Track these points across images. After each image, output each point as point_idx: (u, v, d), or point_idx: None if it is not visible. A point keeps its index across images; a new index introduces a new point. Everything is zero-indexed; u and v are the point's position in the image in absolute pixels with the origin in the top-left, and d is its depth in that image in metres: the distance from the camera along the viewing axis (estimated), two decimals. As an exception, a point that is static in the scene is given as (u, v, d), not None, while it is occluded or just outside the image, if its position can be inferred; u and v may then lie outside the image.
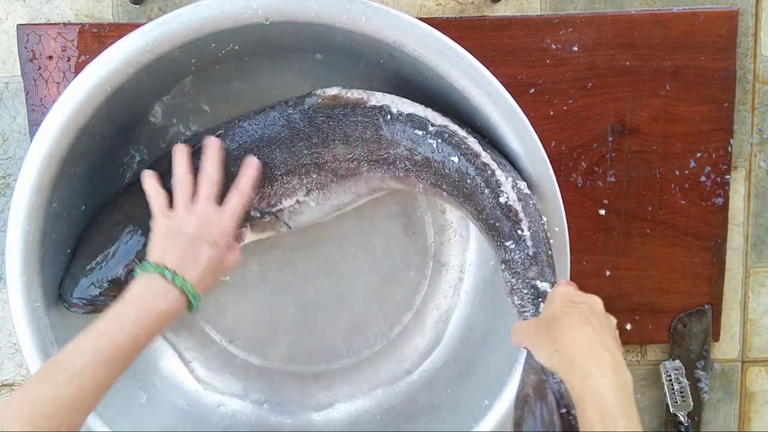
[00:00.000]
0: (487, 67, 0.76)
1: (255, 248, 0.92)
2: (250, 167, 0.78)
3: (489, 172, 0.75)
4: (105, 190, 0.87)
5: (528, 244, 0.74)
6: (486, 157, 0.75)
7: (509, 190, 0.74)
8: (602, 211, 0.97)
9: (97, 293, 0.80)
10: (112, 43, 0.75)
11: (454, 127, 0.77)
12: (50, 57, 0.91)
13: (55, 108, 0.75)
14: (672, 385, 1.01)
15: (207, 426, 0.92)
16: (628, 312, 1.00)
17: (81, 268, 0.81)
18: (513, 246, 0.74)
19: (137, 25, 0.77)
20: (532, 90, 0.94)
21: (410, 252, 0.94)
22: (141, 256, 0.78)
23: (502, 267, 0.75)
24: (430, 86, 0.81)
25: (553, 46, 0.93)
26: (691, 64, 0.94)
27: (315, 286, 0.94)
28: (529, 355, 0.67)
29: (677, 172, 0.97)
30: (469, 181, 0.76)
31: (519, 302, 0.74)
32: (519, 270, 0.74)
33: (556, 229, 0.77)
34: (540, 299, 0.73)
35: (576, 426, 0.64)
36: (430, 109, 0.78)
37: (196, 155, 0.78)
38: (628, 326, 1.00)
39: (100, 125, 0.78)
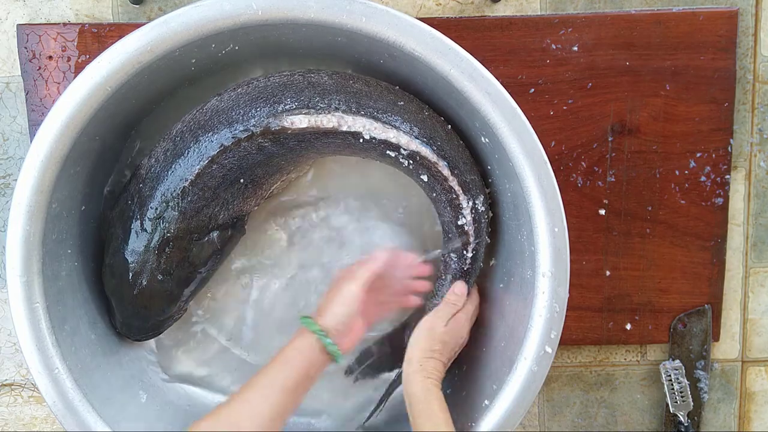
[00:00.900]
0: (486, 67, 0.76)
1: (255, 248, 0.92)
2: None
3: (453, 195, 0.82)
4: (105, 190, 0.87)
5: (467, 262, 0.86)
6: (453, 181, 0.81)
7: (467, 213, 0.83)
8: (602, 211, 0.97)
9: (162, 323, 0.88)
10: (112, 43, 0.75)
11: (426, 150, 0.80)
12: (50, 57, 0.91)
13: (55, 108, 0.75)
14: (672, 385, 1.01)
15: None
16: (628, 312, 1.00)
17: (134, 315, 0.86)
18: (455, 258, 0.86)
19: (137, 25, 0.77)
20: (532, 90, 0.94)
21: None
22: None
23: (442, 263, 0.87)
24: (429, 86, 0.81)
25: (553, 46, 0.93)
26: (691, 64, 0.94)
27: (315, 286, 0.94)
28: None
29: (677, 172, 0.97)
30: (435, 195, 0.84)
31: (434, 296, 0.88)
32: (451, 275, 0.87)
33: (556, 229, 0.76)
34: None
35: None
36: (402, 133, 0.79)
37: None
38: (628, 326, 1.00)
39: (100, 125, 0.78)
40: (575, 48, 0.93)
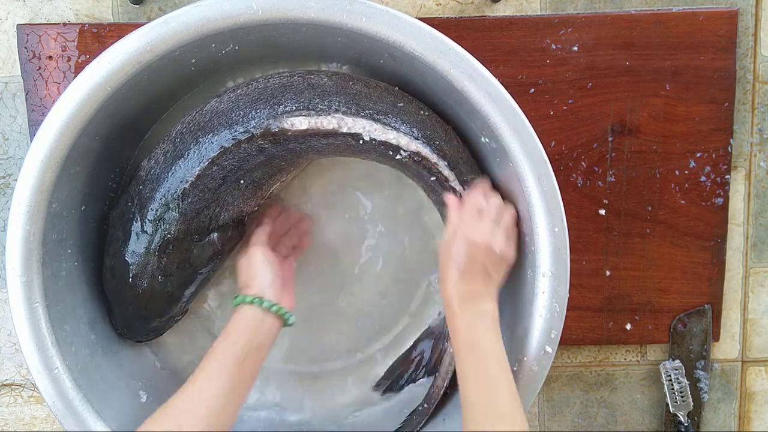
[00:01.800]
0: (487, 67, 0.76)
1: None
2: (304, 224, 0.91)
3: (454, 195, 0.81)
4: (105, 190, 0.87)
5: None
6: (454, 181, 0.81)
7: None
8: (602, 211, 0.97)
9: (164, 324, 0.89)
10: (112, 43, 0.75)
11: (426, 150, 0.80)
12: (50, 57, 0.91)
13: (55, 108, 0.75)
14: (672, 385, 1.01)
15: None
16: (628, 312, 1.00)
17: (135, 316, 0.86)
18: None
19: (137, 25, 0.77)
20: (532, 90, 0.94)
21: (411, 253, 0.94)
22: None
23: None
24: (429, 86, 0.81)
25: (553, 46, 0.93)
26: (691, 64, 0.94)
27: (315, 286, 0.94)
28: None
29: (677, 172, 0.97)
30: (435, 198, 0.85)
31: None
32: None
33: (556, 229, 0.76)
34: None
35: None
36: (401, 134, 0.79)
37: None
38: (628, 326, 1.00)
39: (100, 125, 0.78)
40: (575, 48, 0.93)
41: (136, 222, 0.82)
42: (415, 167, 0.81)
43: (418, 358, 0.93)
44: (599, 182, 0.96)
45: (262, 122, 0.78)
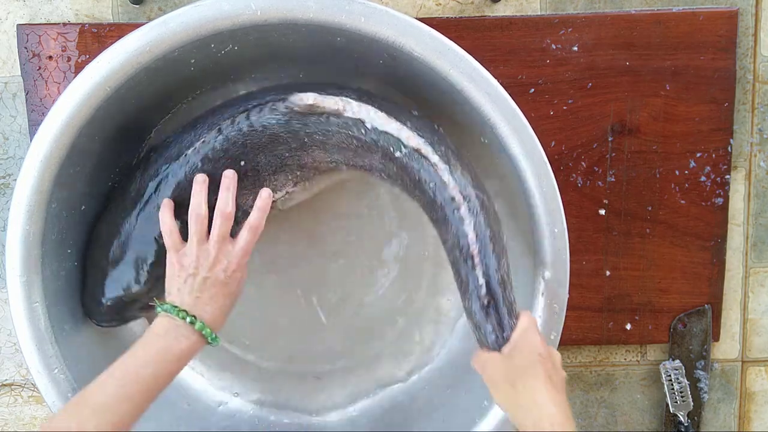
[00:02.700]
0: (486, 67, 0.76)
1: (256, 249, 0.92)
2: (262, 200, 0.78)
3: (455, 205, 0.76)
4: (105, 190, 0.87)
5: (482, 292, 0.74)
6: (454, 188, 0.76)
7: (470, 230, 0.75)
8: (602, 211, 0.97)
9: (123, 306, 0.82)
10: (112, 43, 0.75)
11: (427, 149, 0.77)
12: (50, 57, 0.91)
13: (54, 108, 0.75)
14: (672, 385, 1.01)
15: (207, 426, 0.93)
16: (628, 312, 1.00)
17: (100, 285, 0.82)
18: (473, 284, 0.75)
19: (137, 25, 0.77)
20: (532, 90, 0.94)
21: (412, 253, 0.94)
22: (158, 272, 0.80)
23: (462, 294, 0.77)
24: (429, 86, 0.81)
25: (553, 46, 0.93)
26: (691, 64, 0.94)
27: (316, 286, 0.94)
28: None
29: (677, 172, 0.97)
30: (436, 208, 0.77)
31: (479, 336, 0.76)
32: (478, 302, 0.75)
33: (556, 230, 0.76)
34: (501, 334, 0.74)
35: None
36: (405, 128, 0.77)
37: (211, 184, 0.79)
38: (628, 326, 1.00)
39: (99, 126, 0.78)
40: (575, 48, 0.93)
41: (134, 187, 0.81)
42: (414, 174, 0.77)
43: None
44: (599, 182, 0.96)
45: (275, 98, 0.78)
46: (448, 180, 0.76)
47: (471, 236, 0.75)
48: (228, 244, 0.76)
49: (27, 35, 0.91)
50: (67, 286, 0.82)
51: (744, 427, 1.07)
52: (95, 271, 0.83)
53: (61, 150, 0.76)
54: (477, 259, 0.74)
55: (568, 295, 0.78)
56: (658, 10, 0.94)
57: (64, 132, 0.75)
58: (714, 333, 1.01)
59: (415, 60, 0.76)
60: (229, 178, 0.77)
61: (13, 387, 1.02)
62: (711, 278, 0.99)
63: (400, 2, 0.94)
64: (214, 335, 0.73)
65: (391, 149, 0.78)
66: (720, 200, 0.97)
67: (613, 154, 0.96)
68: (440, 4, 0.95)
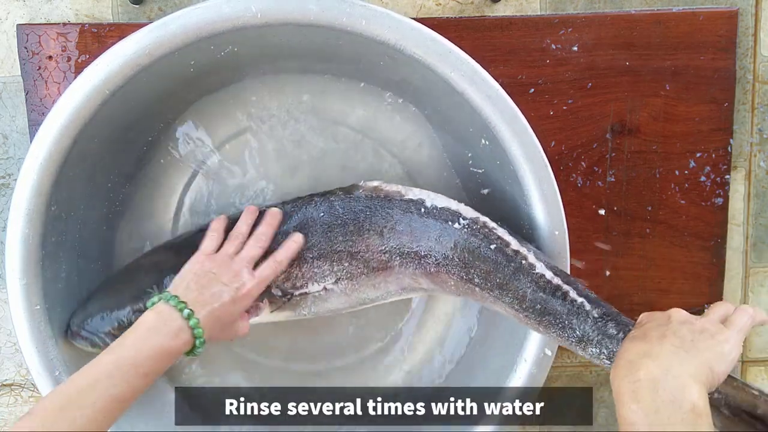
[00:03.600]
0: (486, 67, 0.76)
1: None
2: (294, 242, 0.79)
3: (521, 258, 0.75)
4: (104, 192, 0.87)
5: (587, 308, 0.72)
6: (516, 245, 0.75)
7: (545, 271, 0.74)
8: (602, 211, 0.97)
9: (107, 331, 0.80)
10: (112, 43, 0.75)
11: (484, 219, 0.77)
12: (50, 57, 0.91)
13: (54, 111, 0.75)
14: (672, 384, 1.01)
15: (207, 426, 0.92)
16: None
17: (98, 305, 0.82)
18: (575, 320, 0.72)
19: (137, 25, 0.77)
20: (532, 90, 0.94)
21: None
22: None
23: (580, 347, 0.73)
24: (429, 87, 0.81)
25: (553, 46, 0.93)
26: (691, 64, 0.94)
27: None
28: None
29: (677, 172, 0.97)
30: (502, 269, 0.75)
31: (606, 360, 0.72)
32: (596, 338, 0.72)
33: (556, 233, 0.77)
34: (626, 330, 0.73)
35: None
36: (462, 204, 0.79)
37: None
38: (628, 326, 1.00)
39: (98, 128, 0.78)
40: (575, 48, 0.93)
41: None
42: (473, 239, 0.76)
43: None
44: (599, 182, 0.96)
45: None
46: (509, 239, 0.76)
47: (548, 274, 0.74)
48: (251, 269, 0.77)
49: (27, 35, 0.91)
50: (67, 288, 0.82)
51: (743, 427, 1.07)
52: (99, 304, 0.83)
53: (60, 153, 0.76)
54: (566, 287, 0.73)
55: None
56: (658, 10, 0.94)
57: (62, 135, 0.75)
58: (714, 333, 1.01)
59: (416, 62, 0.76)
60: (273, 216, 0.80)
61: (13, 387, 1.02)
62: (711, 278, 0.99)
63: (400, 2, 0.94)
64: (202, 339, 0.71)
65: (449, 222, 0.77)
66: (720, 200, 0.97)
67: (613, 154, 0.96)
68: (440, 4, 0.95)
